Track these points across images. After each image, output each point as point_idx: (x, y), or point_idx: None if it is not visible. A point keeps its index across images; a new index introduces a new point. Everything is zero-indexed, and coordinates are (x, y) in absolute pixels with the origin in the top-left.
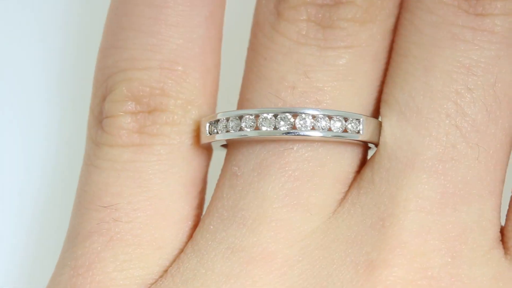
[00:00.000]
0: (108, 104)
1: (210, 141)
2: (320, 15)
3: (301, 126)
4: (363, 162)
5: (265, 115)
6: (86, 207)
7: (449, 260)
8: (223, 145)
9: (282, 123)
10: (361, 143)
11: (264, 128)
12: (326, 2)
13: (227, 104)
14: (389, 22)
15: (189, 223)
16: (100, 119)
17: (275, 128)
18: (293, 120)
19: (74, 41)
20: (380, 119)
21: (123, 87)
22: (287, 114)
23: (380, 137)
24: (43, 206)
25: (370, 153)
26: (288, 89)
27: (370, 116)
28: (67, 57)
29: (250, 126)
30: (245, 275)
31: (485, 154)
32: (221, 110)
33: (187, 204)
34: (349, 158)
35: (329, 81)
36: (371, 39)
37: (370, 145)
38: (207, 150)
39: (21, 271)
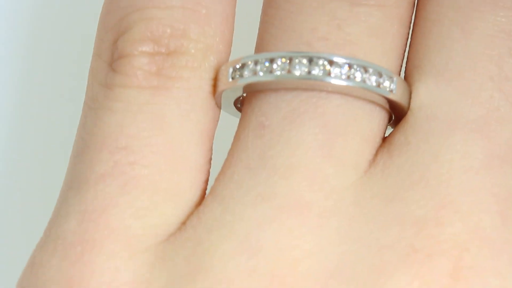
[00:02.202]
0: (123, 43)
1: (232, 86)
2: None
3: (337, 74)
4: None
5: (299, 58)
6: (97, 150)
7: (500, 223)
8: (239, 100)
9: (316, 68)
10: (387, 108)
11: (297, 73)
12: None
13: None
14: None
15: (202, 176)
16: (110, 62)
17: (309, 73)
18: (329, 67)
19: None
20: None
21: (141, 26)
22: (322, 60)
23: (413, 101)
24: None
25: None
26: (321, 40)
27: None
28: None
29: (282, 70)
30: (280, 223)
31: None
32: None
33: (202, 154)
34: (378, 118)
35: (362, 36)
36: (399, 1)
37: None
38: (217, 108)
39: None
